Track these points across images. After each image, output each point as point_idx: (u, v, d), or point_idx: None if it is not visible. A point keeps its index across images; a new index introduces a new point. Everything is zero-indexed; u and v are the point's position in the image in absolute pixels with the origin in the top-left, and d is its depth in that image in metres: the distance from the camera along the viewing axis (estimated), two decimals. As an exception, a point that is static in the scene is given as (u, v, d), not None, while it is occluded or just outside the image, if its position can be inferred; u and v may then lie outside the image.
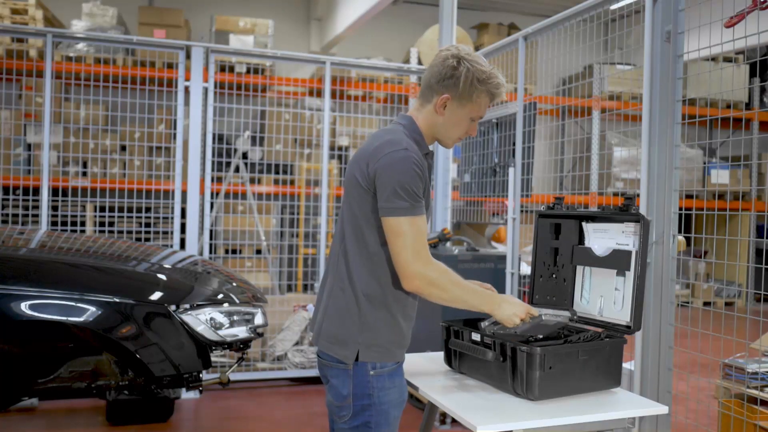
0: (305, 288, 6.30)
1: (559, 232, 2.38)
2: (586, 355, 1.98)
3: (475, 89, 1.90)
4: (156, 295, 2.92)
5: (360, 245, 1.90)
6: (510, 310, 1.94)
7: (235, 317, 2.97)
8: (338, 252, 1.96)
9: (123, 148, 6.60)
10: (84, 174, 6.39)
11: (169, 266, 3.36)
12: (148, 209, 6.06)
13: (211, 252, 5.25)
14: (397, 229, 1.81)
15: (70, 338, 2.69)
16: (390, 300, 1.90)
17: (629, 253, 2.11)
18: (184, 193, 4.88)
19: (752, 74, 9.56)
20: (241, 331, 2.97)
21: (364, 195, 1.87)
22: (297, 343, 5.14)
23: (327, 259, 2.09)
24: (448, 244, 4.52)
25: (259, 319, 3.07)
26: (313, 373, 4.92)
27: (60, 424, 4.08)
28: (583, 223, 2.31)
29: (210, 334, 2.87)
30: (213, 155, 5.04)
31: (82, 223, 6.00)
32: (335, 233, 2.02)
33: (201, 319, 2.86)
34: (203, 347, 2.87)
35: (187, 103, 4.87)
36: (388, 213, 1.81)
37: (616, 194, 8.23)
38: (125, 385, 2.81)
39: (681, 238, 2.84)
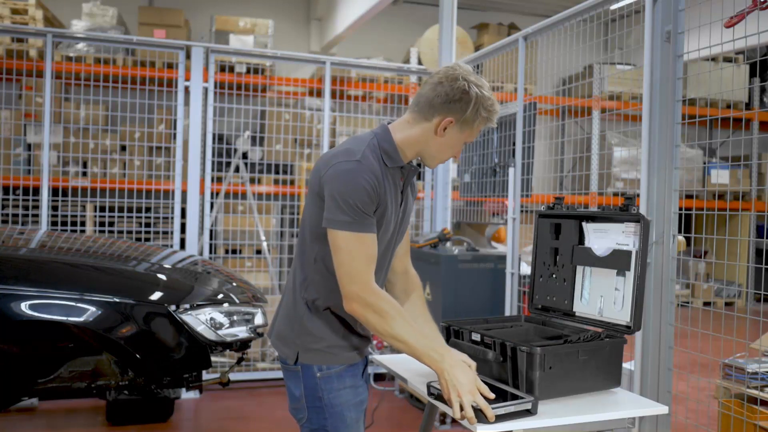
0: (305, 288, 6.27)
1: (559, 232, 2.38)
2: (586, 355, 1.98)
3: (479, 117, 1.83)
4: (156, 295, 2.92)
5: (303, 251, 1.91)
6: (460, 378, 1.73)
7: (235, 317, 2.97)
8: (295, 253, 1.98)
9: (123, 148, 6.59)
10: (84, 174, 6.38)
11: (169, 266, 3.36)
12: (148, 209, 6.06)
13: (211, 252, 5.25)
14: (335, 243, 1.76)
15: (70, 338, 2.69)
16: (331, 306, 1.88)
17: (629, 253, 2.11)
18: (184, 193, 4.89)
19: (752, 74, 9.56)
20: (241, 331, 2.97)
21: (316, 201, 1.83)
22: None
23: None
24: (448, 244, 4.52)
25: (259, 319, 3.07)
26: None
27: (60, 424, 4.08)
28: (583, 223, 2.31)
29: (210, 334, 2.87)
30: (213, 155, 5.05)
31: (82, 223, 6.00)
32: (299, 233, 2.02)
33: (201, 319, 2.86)
34: (203, 347, 2.87)
35: (187, 103, 4.88)
36: (328, 224, 1.76)
37: (616, 194, 8.23)
38: (125, 385, 2.81)
39: (681, 238, 2.84)
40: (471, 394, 1.70)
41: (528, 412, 1.75)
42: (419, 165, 1.98)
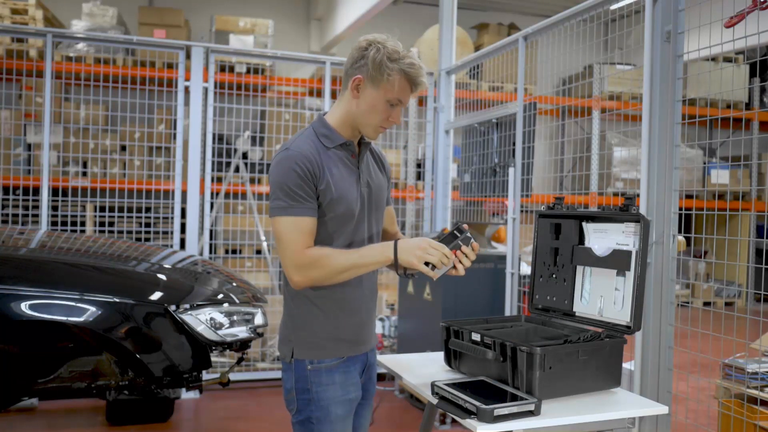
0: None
1: (559, 232, 2.38)
2: (586, 355, 1.98)
3: (386, 67, 1.82)
4: (156, 295, 2.92)
5: None
6: (413, 249, 1.81)
7: (235, 317, 2.97)
8: None
9: (123, 148, 6.60)
10: (84, 174, 6.38)
11: (169, 266, 3.36)
12: (148, 209, 6.06)
13: (211, 252, 5.25)
14: (275, 231, 1.83)
15: (70, 338, 2.69)
16: (312, 296, 1.91)
17: (629, 253, 2.11)
18: (184, 193, 4.89)
19: (752, 74, 9.56)
20: (241, 331, 2.97)
21: None
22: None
23: None
24: (448, 244, 4.51)
25: (259, 319, 3.07)
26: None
27: (60, 424, 4.08)
28: (583, 223, 2.31)
29: (210, 334, 2.87)
30: (213, 155, 5.04)
31: (82, 223, 6.00)
32: None
33: (201, 319, 2.86)
34: (203, 347, 2.87)
35: (187, 103, 4.88)
36: (271, 212, 1.83)
37: (616, 194, 8.23)
38: (125, 385, 2.81)
39: (681, 238, 2.84)
40: (425, 250, 1.81)
41: (531, 413, 1.75)
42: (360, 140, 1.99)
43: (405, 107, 1.96)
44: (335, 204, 1.86)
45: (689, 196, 8.59)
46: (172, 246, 4.93)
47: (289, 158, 1.82)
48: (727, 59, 8.65)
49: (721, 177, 8.96)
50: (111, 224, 5.76)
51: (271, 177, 1.84)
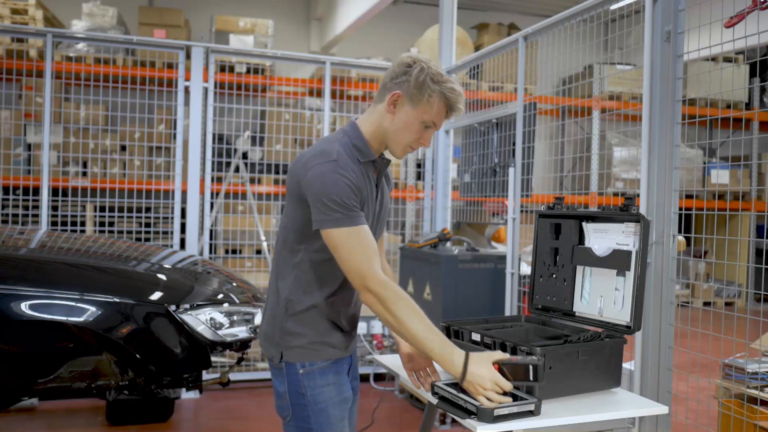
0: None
1: (559, 232, 2.38)
2: (586, 356, 1.98)
3: (428, 88, 1.80)
4: (156, 295, 2.92)
5: (286, 253, 1.91)
6: (482, 375, 1.72)
7: (235, 317, 2.97)
8: (276, 254, 1.97)
9: (123, 148, 6.60)
10: (84, 174, 6.38)
11: (169, 266, 3.36)
12: (148, 209, 6.07)
13: (211, 252, 5.25)
14: (331, 242, 1.76)
15: (70, 338, 2.69)
16: (314, 304, 1.88)
17: (629, 253, 2.11)
18: (184, 193, 4.89)
19: (752, 74, 9.56)
20: (241, 331, 2.97)
21: (296, 205, 1.85)
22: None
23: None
24: (448, 244, 4.52)
25: (259, 319, 3.07)
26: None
27: (60, 424, 4.08)
28: (583, 223, 2.31)
29: (210, 334, 2.87)
30: (213, 155, 5.05)
31: (82, 223, 6.00)
32: (278, 234, 2.01)
33: (201, 319, 2.86)
34: (203, 347, 2.87)
35: (187, 103, 4.88)
36: (321, 225, 1.76)
37: (616, 194, 8.24)
38: (125, 385, 2.81)
39: (681, 238, 2.84)
40: (487, 389, 1.71)
41: (531, 413, 1.75)
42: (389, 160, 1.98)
43: (437, 131, 1.93)
44: None
45: (689, 196, 8.59)
46: (172, 246, 4.92)
47: (338, 169, 1.76)
48: (727, 59, 8.65)
49: (721, 177, 8.96)
50: (111, 224, 5.76)
51: (316, 187, 1.75)
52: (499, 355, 1.79)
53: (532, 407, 1.75)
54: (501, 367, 1.76)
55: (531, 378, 1.75)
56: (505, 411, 1.71)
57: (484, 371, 1.73)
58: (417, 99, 1.82)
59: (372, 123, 1.90)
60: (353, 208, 1.76)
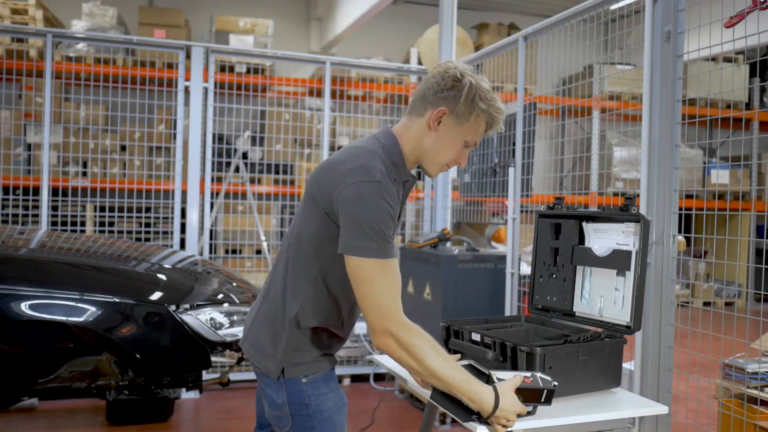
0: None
1: (559, 232, 2.38)
2: (586, 355, 1.98)
3: (477, 107, 1.68)
4: (156, 295, 2.92)
5: (301, 265, 1.75)
6: (509, 410, 1.65)
7: (235, 317, 2.97)
8: (284, 261, 1.80)
9: (123, 148, 6.60)
10: (84, 174, 6.39)
11: (169, 266, 3.36)
12: (148, 209, 6.07)
13: (211, 252, 5.26)
14: (361, 273, 1.60)
15: (70, 338, 2.70)
16: (323, 325, 1.77)
17: (629, 253, 2.11)
18: (184, 193, 4.89)
19: (752, 74, 9.56)
20: (241, 331, 2.97)
21: (320, 218, 1.68)
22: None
23: (277, 256, 1.88)
24: (448, 244, 4.52)
25: (259, 319, 3.07)
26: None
27: (60, 424, 4.08)
28: (583, 223, 2.31)
29: (210, 334, 2.87)
30: (213, 155, 5.05)
31: (82, 223, 6.00)
32: (285, 238, 1.84)
33: (201, 319, 2.86)
34: (203, 347, 2.87)
35: (187, 103, 4.88)
36: (351, 251, 1.59)
37: (616, 194, 8.24)
38: (125, 385, 2.81)
39: (681, 238, 2.84)
40: (508, 420, 1.67)
41: (530, 413, 1.75)
42: (419, 174, 1.92)
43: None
44: None
45: (689, 196, 8.59)
46: (172, 246, 4.93)
47: (382, 194, 1.60)
48: (727, 59, 8.65)
49: (721, 177, 8.96)
50: (111, 224, 5.76)
51: (355, 208, 1.59)
52: (519, 379, 1.70)
53: (531, 407, 1.75)
54: (518, 391, 1.72)
55: (542, 400, 1.73)
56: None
57: (509, 405, 1.66)
58: (464, 118, 1.70)
59: (413, 139, 1.75)
60: (389, 239, 1.61)
